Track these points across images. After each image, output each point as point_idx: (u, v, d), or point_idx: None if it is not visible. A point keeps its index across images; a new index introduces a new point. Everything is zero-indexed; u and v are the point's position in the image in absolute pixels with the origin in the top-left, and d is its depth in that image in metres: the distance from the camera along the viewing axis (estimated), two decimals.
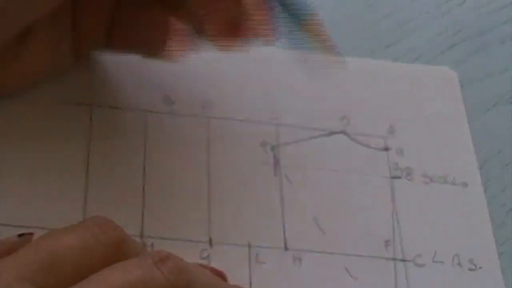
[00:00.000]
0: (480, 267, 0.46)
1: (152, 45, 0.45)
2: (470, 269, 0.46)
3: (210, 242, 0.44)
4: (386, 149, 0.49)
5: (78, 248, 0.33)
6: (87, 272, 0.33)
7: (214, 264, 0.42)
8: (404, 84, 0.52)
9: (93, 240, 0.33)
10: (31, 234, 0.36)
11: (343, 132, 0.50)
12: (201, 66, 0.49)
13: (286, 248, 0.45)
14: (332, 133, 0.49)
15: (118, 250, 0.34)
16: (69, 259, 0.33)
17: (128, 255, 0.34)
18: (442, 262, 0.46)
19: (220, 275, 0.39)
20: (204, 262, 0.42)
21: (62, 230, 0.34)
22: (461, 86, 0.53)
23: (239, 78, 0.47)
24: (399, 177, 0.48)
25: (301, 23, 0.45)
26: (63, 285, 0.32)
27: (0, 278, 0.31)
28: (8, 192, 0.43)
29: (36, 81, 0.45)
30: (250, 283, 0.43)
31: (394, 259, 0.45)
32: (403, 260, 0.45)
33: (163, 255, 0.34)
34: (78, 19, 0.43)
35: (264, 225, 0.45)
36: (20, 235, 0.36)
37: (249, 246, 0.44)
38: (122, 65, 0.48)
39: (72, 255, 0.33)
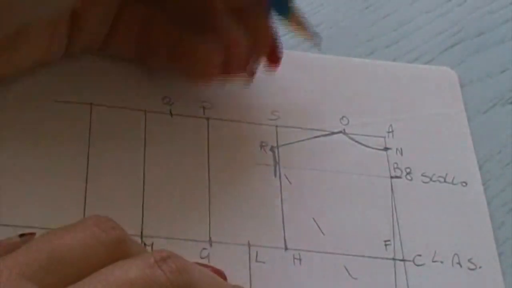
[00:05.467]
0: (480, 267, 0.46)
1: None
2: (470, 269, 0.46)
3: (210, 241, 0.44)
4: (386, 149, 0.49)
5: (79, 247, 0.33)
6: (88, 271, 0.32)
7: (214, 264, 0.42)
8: (404, 84, 0.52)
9: (93, 239, 0.33)
10: (32, 234, 0.36)
11: (343, 132, 0.50)
12: None
13: (286, 248, 0.45)
14: (332, 133, 0.49)
15: (118, 249, 0.34)
16: (69, 258, 0.33)
17: (129, 255, 0.34)
18: (441, 262, 0.46)
19: (220, 275, 0.39)
20: (204, 261, 0.42)
21: (63, 229, 0.34)
22: (461, 86, 0.53)
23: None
24: (399, 177, 0.48)
25: (285, 15, 0.46)
26: (64, 284, 0.32)
27: (1, 276, 0.31)
28: (8, 192, 0.43)
29: (29, 70, 0.45)
30: (250, 282, 0.43)
31: (394, 259, 0.45)
32: (403, 260, 0.45)
33: (164, 254, 0.33)
34: (78, 15, 0.43)
35: (264, 225, 0.45)
36: (21, 235, 0.36)
37: (249, 245, 0.44)
38: (122, 65, 0.48)
39: (72, 254, 0.33)
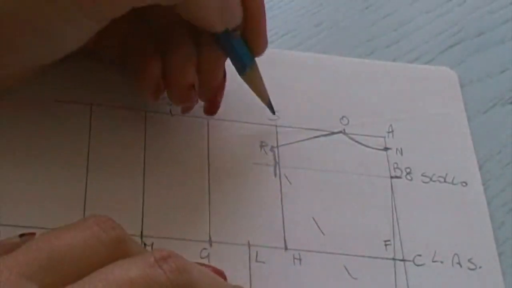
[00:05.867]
0: (480, 267, 0.46)
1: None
2: (470, 269, 0.46)
3: (210, 241, 0.44)
4: (386, 149, 0.49)
5: (79, 247, 0.33)
6: (88, 270, 0.32)
7: (214, 264, 0.42)
8: (404, 84, 0.52)
9: (93, 238, 0.33)
10: (32, 234, 0.36)
11: (342, 132, 0.50)
12: None
13: (286, 248, 0.45)
14: (332, 133, 0.49)
15: (118, 249, 0.34)
16: (69, 257, 0.33)
17: (128, 254, 0.34)
18: (441, 262, 0.46)
19: (220, 275, 0.39)
20: (204, 261, 0.42)
21: (63, 229, 0.34)
22: (461, 86, 0.53)
23: (239, 79, 0.47)
24: (399, 177, 0.48)
25: (241, 72, 0.46)
26: (64, 283, 0.32)
27: (1, 276, 0.31)
28: (8, 192, 0.43)
29: (23, 77, 0.45)
30: (250, 282, 0.43)
31: (394, 259, 0.45)
32: (403, 260, 0.45)
33: (164, 253, 0.33)
34: None
35: (264, 225, 0.45)
36: (21, 235, 0.36)
37: (249, 245, 0.44)
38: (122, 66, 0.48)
39: (72, 253, 0.33)
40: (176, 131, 0.47)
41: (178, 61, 0.45)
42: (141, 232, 0.43)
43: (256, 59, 0.46)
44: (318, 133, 0.49)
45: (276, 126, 0.49)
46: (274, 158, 0.48)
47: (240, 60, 0.46)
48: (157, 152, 0.46)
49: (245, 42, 0.45)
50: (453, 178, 0.49)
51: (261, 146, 0.48)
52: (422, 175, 0.49)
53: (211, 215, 0.45)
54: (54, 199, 0.43)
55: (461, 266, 0.46)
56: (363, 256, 0.45)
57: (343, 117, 0.50)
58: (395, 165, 0.49)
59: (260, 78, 0.47)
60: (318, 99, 0.51)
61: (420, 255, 0.46)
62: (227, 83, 0.47)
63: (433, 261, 0.46)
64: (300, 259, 0.44)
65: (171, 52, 0.45)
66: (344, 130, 0.50)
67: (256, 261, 0.44)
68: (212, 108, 0.47)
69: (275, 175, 0.47)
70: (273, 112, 0.48)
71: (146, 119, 0.47)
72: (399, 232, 0.46)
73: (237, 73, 0.46)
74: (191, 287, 0.34)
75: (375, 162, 0.49)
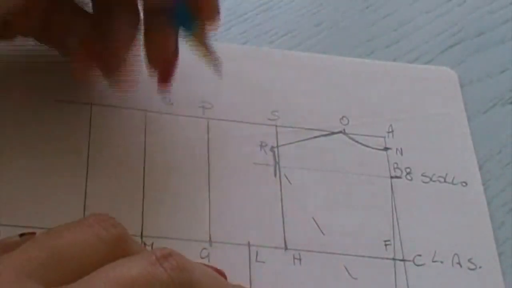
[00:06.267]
0: (480, 267, 0.46)
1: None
2: (470, 269, 0.46)
3: (210, 241, 0.44)
4: (386, 149, 0.49)
5: (79, 245, 0.33)
6: (89, 268, 0.32)
7: (214, 264, 0.42)
8: (404, 84, 0.52)
9: (94, 236, 0.33)
10: (32, 233, 0.36)
11: (343, 132, 0.50)
12: (201, 67, 0.49)
13: (286, 248, 0.45)
14: (332, 133, 0.49)
15: (118, 248, 0.34)
16: (70, 255, 0.33)
17: (129, 253, 0.34)
18: (441, 262, 0.46)
19: (220, 275, 0.39)
20: (204, 261, 0.42)
21: (64, 227, 0.34)
22: (461, 86, 0.53)
23: (238, 79, 0.47)
24: (399, 177, 0.48)
25: (188, 33, 0.44)
26: (65, 281, 0.32)
27: (1, 274, 0.31)
28: (8, 192, 0.43)
29: None
30: (250, 282, 0.43)
31: (394, 259, 0.45)
32: (403, 260, 0.45)
33: (166, 252, 0.33)
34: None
35: (264, 225, 0.45)
36: (21, 235, 0.36)
37: (249, 245, 0.44)
38: None
39: (73, 251, 0.33)
40: (176, 131, 0.47)
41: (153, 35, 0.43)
42: (141, 232, 0.43)
43: (257, 58, 0.46)
44: (318, 133, 0.49)
45: (276, 126, 0.49)
46: (274, 158, 0.48)
47: (185, 25, 0.43)
48: (157, 152, 0.46)
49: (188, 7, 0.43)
50: (453, 178, 0.49)
51: (261, 146, 0.48)
52: (422, 175, 0.49)
53: (211, 215, 0.45)
54: (54, 199, 0.43)
55: (461, 266, 0.46)
56: (363, 256, 0.45)
57: (343, 117, 0.50)
58: (395, 165, 0.49)
59: (207, 43, 0.44)
60: (318, 99, 0.51)
61: (420, 255, 0.46)
62: (227, 82, 0.47)
63: (433, 261, 0.46)
64: (300, 259, 0.44)
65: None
66: (344, 130, 0.50)
67: (256, 261, 0.44)
68: (163, 84, 0.45)
69: (275, 175, 0.47)
70: (219, 72, 0.45)
71: (146, 119, 0.47)
72: (399, 232, 0.46)
73: (237, 74, 0.46)
74: (192, 285, 0.34)
75: (375, 162, 0.49)
